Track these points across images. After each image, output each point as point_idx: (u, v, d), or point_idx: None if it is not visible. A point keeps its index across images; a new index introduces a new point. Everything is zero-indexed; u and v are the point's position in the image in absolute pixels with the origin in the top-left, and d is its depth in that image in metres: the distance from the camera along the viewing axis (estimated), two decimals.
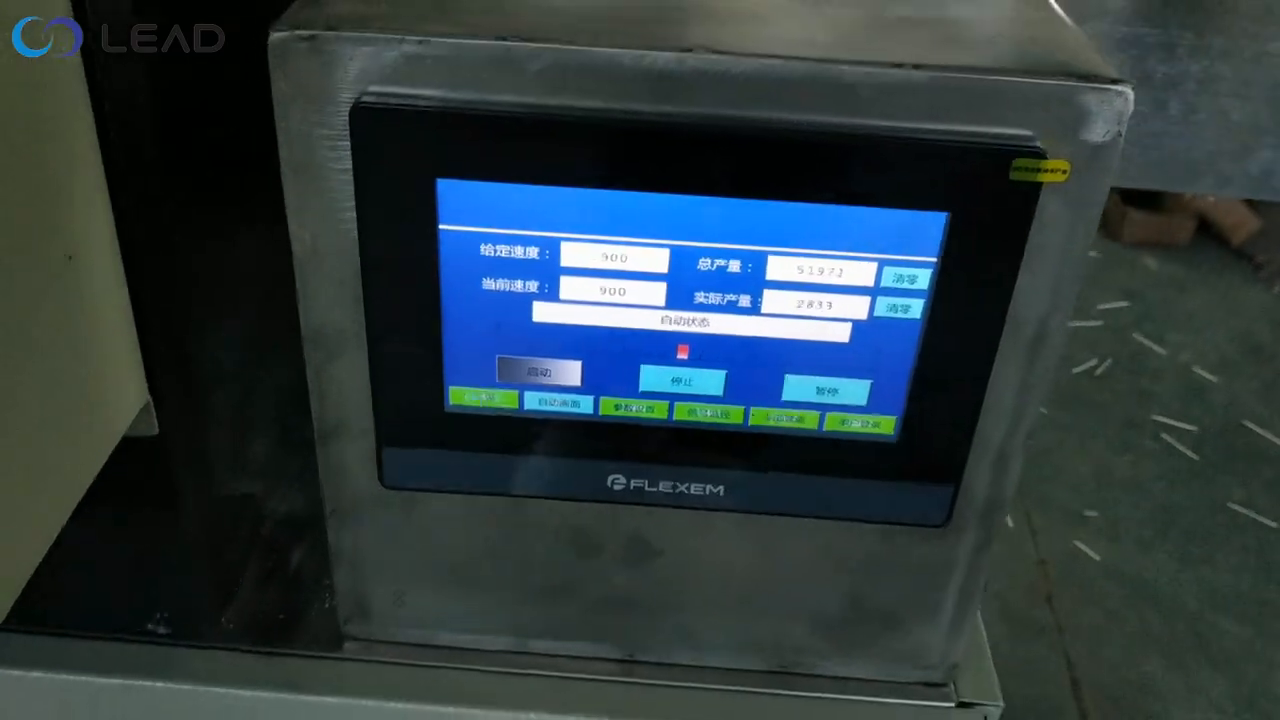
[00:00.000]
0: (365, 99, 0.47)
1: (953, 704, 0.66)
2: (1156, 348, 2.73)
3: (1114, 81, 0.47)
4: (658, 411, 0.56)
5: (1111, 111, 0.47)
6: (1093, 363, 2.64)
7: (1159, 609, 2.00)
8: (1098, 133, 0.47)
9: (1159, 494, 2.27)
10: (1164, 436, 2.43)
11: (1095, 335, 2.76)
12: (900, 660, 0.66)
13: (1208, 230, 3.19)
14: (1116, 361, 2.67)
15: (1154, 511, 2.22)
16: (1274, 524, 2.21)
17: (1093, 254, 3.02)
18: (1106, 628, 1.96)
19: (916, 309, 0.52)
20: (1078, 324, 2.80)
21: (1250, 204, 3.14)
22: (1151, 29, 0.97)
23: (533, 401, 0.56)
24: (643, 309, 0.52)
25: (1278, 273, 3.09)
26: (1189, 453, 2.38)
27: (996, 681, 0.69)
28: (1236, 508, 2.24)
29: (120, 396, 0.53)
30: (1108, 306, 2.88)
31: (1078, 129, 0.47)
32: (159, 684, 0.64)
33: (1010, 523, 2.16)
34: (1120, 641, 1.93)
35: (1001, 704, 0.68)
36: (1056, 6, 0.56)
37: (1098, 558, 2.09)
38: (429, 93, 0.47)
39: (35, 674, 0.63)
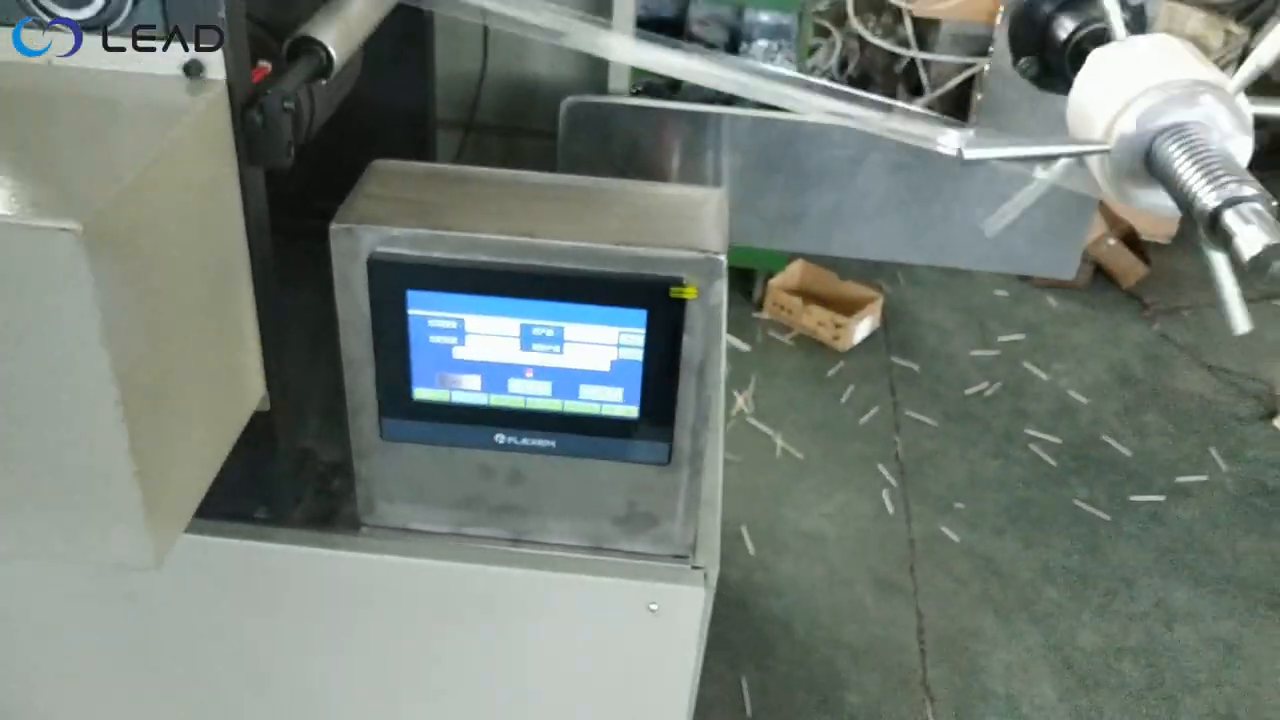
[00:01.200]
0: (375, 255, 1.03)
1: (689, 566, 1.20)
2: (1041, 374, 3.26)
3: (716, 253, 1.01)
4: (517, 403, 1.11)
5: (713, 267, 1.02)
6: (984, 385, 3.18)
7: (998, 579, 2.53)
8: (710, 277, 1.02)
9: (1018, 492, 2.80)
10: (1031, 447, 2.96)
11: (992, 362, 3.29)
12: (659, 542, 1.20)
13: (1106, 274, 3.72)
14: (1005, 385, 3.20)
15: (1010, 505, 2.75)
16: (1107, 517, 2.74)
17: (1003, 293, 3.58)
18: (954, 591, 2.49)
19: (638, 354, 1.07)
20: (978, 353, 3.33)
21: (1139, 252, 3.67)
22: None
23: (456, 396, 1.11)
24: (508, 352, 1.08)
25: (1161, 312, 3.61)
26: (1050, 460, 2.91)
27: (717, 553, 1.23)
28: (1079, 504, 2.77)
29: (254, 389, 1.09)
30: (1007, 338, 3.41)
31: (699, 274, 1.02)
32: (261, 544, 1.19)
33: (890, 509, 2.69)
34: (963, 602, 2.46)
35: (718, 567, 1.22)
36: (713, 208, 1.11)
37: (957, 539, 2.63)
38: (403, 250, 1.03)
39: (192, 536, 1.19)
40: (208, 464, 1.01)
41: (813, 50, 4.45)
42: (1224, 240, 0.97)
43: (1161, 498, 2.81)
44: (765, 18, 3.48)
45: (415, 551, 1.20)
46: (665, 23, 3.52)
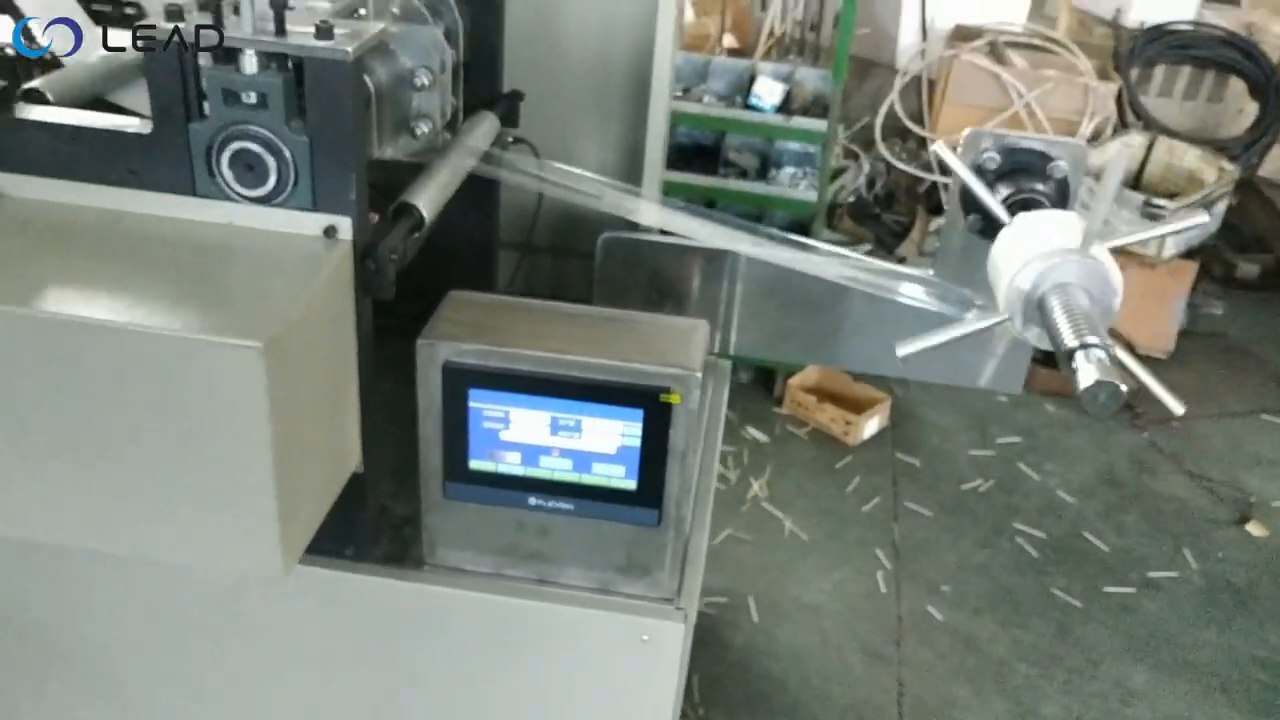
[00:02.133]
0: (448, 363, 1.41)
1: (674, 607, 1.55)
2: (1033, 474, 3.56)
3: (694, 370, 1.38)
4: (546, 474, 1.48)
5: (691, 381, 1.38)
6: (978, 483, 3.49)
7: (975, 654, 2.82)
8: (689, 387, 1.39)
9: (1001, 579, 3.09)
10: (1017, 539, 3.26)
11: (988, 462, 3.60)
12: (650, 587, 1.55)
13: None
14: (998, 483, 3.50)
15: (993, 590, 3.04)
16: (1080, 605, 3.02)
17: (1004, 399, 3.90)
18: (933, 663, 2.78)
19: (636, 442, 1.43)
20: (976, 452, 3.65)
21: None
22: None
23: (501, 468, 1.48)
24: (540, 436, 1.45)
25: (1151, 422, 3.90)
26: (1033, 551, 3.21)
27: (697, 599, 1.57)
28: (1056, 592, 3.06)
29: (354, 456, 1.46)
30: (1004, 440, 3.72)
31: (681, 385, 1.39)
32: (347, 575, 1.56)
33: (883, 588, 3.00)
34: (941, 673, 2.76)
35: (698, 609, 1.56)
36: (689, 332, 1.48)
37: (941, 618, 2.92)
38: (468, 361, 1.41)
39: (299, 566, 1.56)
40: (320, 506, 1.39)
41: (841, 172, 4.86)
42: (1074, 377, 1.33)
43: (1133, 590, 3.09)
44: (794, 146, 3.88)
45: (465, 585, 1.56)
46: (704, 149, 3.94)
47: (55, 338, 1.17)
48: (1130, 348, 3.81)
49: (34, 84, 1.42)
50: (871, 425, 3.64)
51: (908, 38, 5.06)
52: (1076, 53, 4.62)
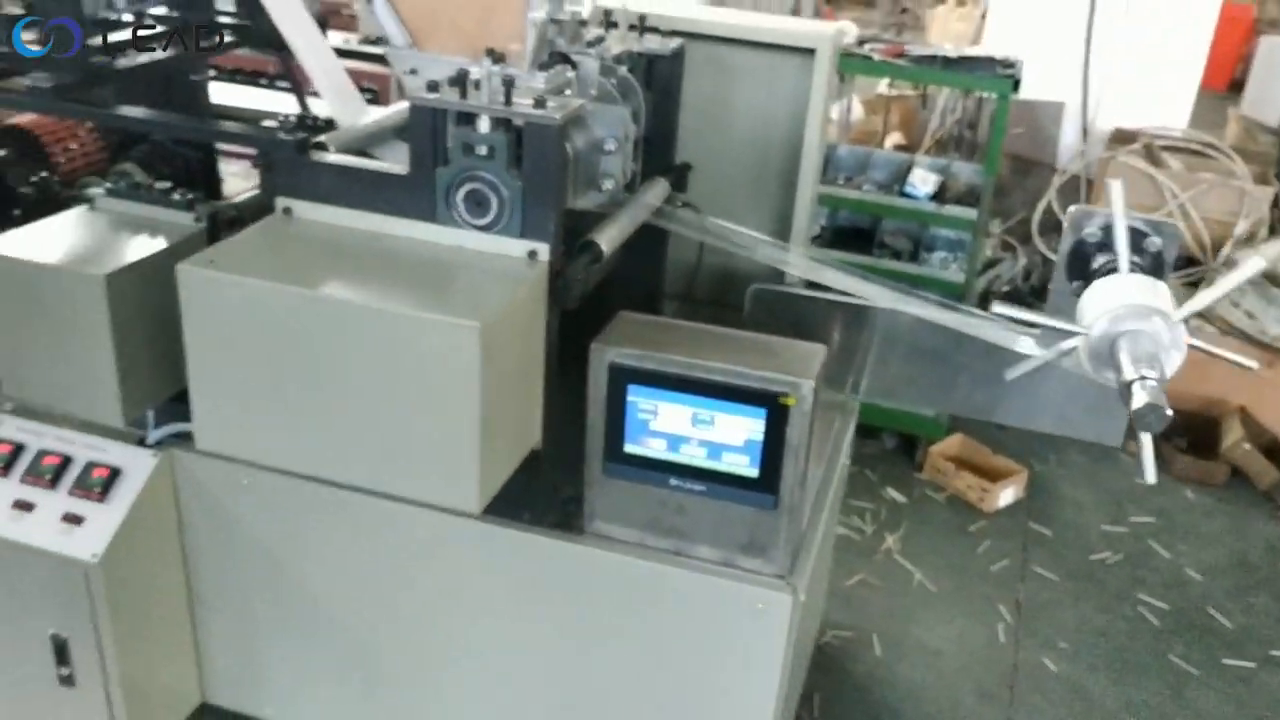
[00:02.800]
0: (613, 363, 1.78)
1: (785, 582, 1.85)
2: (1164, 552, 3.67)
3: (808, 379, 1.71)
4: (685, 460, 1.82)
5: (805, 388, 1.71)
6: (1107, 555, 3.62)
7: (1085, 704, 2.97)
8: (803, 393, 1.72)
9: (1119, 641, 3.22)
10: (1140, 608, 3.37)
11: (1119, 537, 3.73)
12: (767, 563, 1.86)
13: (1241, 476, 4.09)
14: (1127, 557, 3.62)
15: (1109, 650, 3.18)
16: (1197, 672, 3.12)
17: (1142, 481, 4.01)
18: (1043, 709, 2.95)
19: (760, 436, 1.77)
20: (1109, 528, 3.78)
21: (1271, 457, 4.03)
22: None
23: (649, 453, 1.83)
24: (682, 428, 1.79)
25: None
26: (1154, 620, 3.32)
27: (807, 579, 1.87)
28: (1173, 658, 3.17)
29: (535, 435, 1.84)
30: (1139, 519, 3.84)
31: (796, 391, 1.72)
32: (522, 534, 1.93)
33: (1001, 639, 3.18)
34: (1050, 718, 2.92)
35: (806, 591, 1.86)
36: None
37: (1055, 669, 3.08)
38: (629, 363, 1.77)
39: (482, 525, 1.94)
40: (508, 466, 1.77)
41: (997, 262, 5.08)
42: (1127, 399, 1.62)
43: (1253, 664, 3.16)
44: (947, 232, 4.16)
45: (616, 550, 1.91)
46: (861, 231, 4.26)
47: (330, 315, 1.61)
48: (1274, 442, 3.86)
49: (321, 139, 1.89)
50: (1007, 494, 3.82)
51: (1069, 139, 5.28)
52: (1234, 157, 4.74)
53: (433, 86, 1.69)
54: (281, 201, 1.82)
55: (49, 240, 1.88)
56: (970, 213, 3.90)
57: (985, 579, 3.45)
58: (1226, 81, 9.15)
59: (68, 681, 2.13)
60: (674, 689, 1.99)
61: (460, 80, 1.69)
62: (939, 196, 4.04)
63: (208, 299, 1.65)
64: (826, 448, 2.30)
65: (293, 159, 1.79)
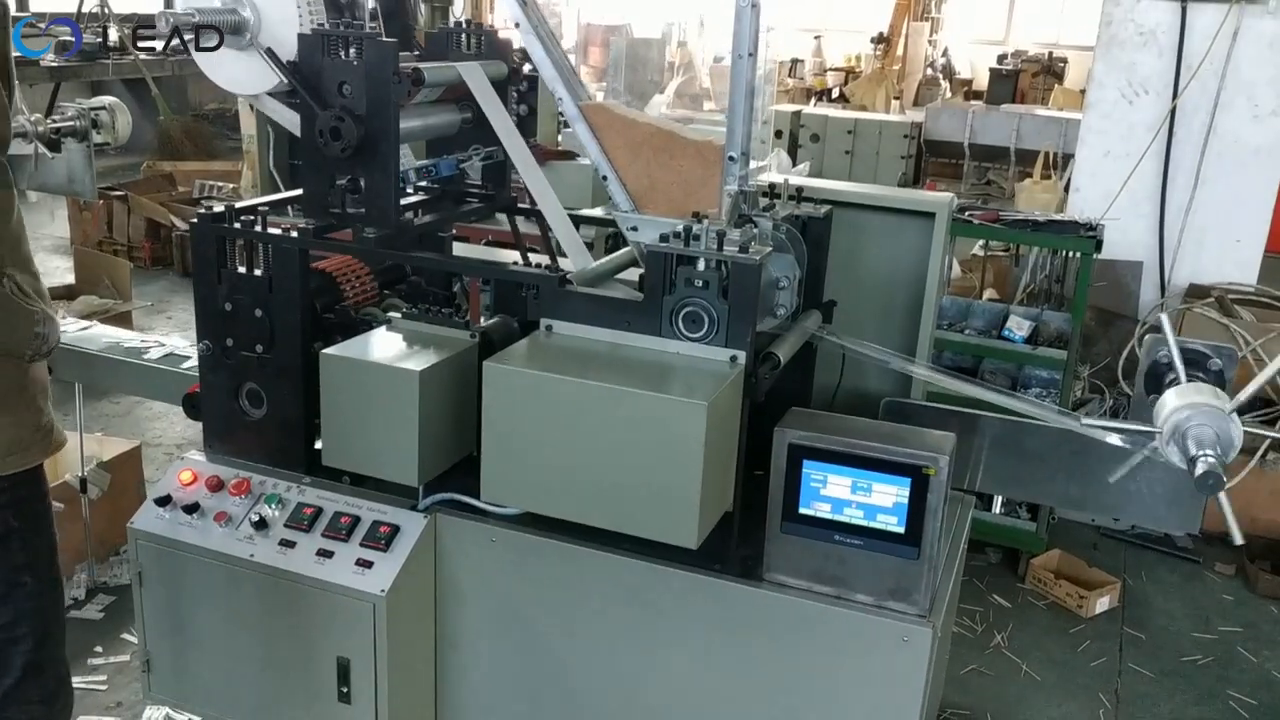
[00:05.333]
0: (792, 443, 2.27)
1: (926, 620, 2.28)
2: (1251, 657, 3.93)
3: (943, 455, 2.18)
4: (846, 519, 2.28)
5: (942, 461, 2.18)
6: (1198, 657, 3.90)
7: None
8: (941, 465, 2.18)
9: None
10: (1231, 703, 3.64)
11: (1208, 643, 4.00)
12: (911, 605, 2.29)
13: None
14: (1216, 660, 3.90)
15: None
16: None
17: (1229, 597, 4.30)
18: None
19: (905, 500, 2.23)
20: (1199, 634, 4.06)
21: None
22: None
23: (817, 514, 2.30)
24: (844, 493, 2.27)
25: None
26: (1243, 713, 3.58)
27: (942, 619, 2.29)
28: None
29: (729, 499, 2.33)
30: (1226, 628, 4.11)
31: (935, 465, 2.19)
32: (712, 580, 2.39)
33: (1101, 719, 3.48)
34: None
35: (940, 629, 2.28)
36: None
37: None
38: (803, 443, 2.26)
39: (684, 573, 2.41)
40: (713, 519, 2.26)
41: (1086, 403, 5.47)
42: (1193, 472, 2.08)
43: None
44: (1041, 372, 4.61)
45: (789, 594, 2.36)
46: (964, 369, 4.72)
47: (593, 396, 2.14)
48: None
49: (570, 275, 2.46)
50: (1103, 602, 4.13)
51: (1148, 294, 5.71)
52: None
53: (664, 238, 2.26)
54: (545, 320, 2.38)
55: (369, 348, 2.47)
56: (1060, 354, 4.35)
57: (1085, 672, 3.76)
58: None
59: (345, 699, 2.62)
60: (833, 708, 2.40)
61: (685, 233, 2.25)
62: (1032, 340, 4.51)
63: (502, 386, 2.21)
64: (950, 529, 2.73)
65: (555, 290, 2.37)
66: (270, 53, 2.52)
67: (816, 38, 19.29)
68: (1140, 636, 3.99)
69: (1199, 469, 2.08)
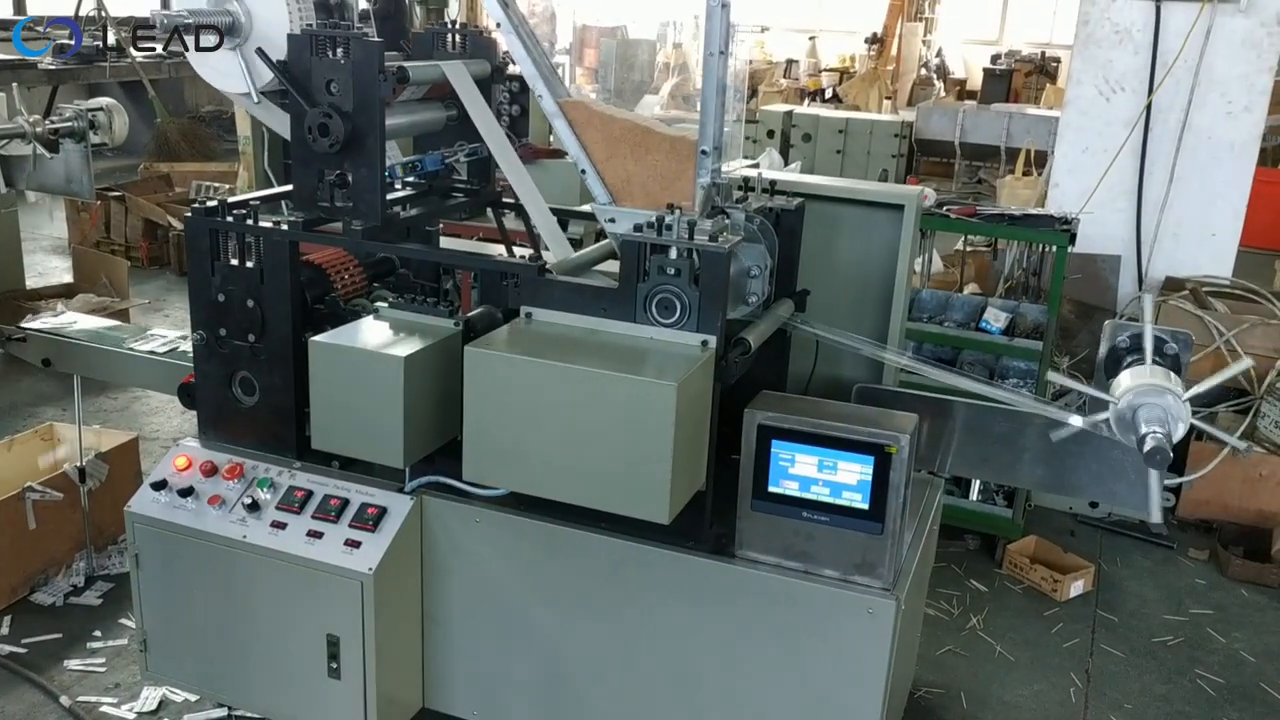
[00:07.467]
0: (760, 423, 2.37)
1: (891, 592, 2.37)
2: (1220, 638, 4.02)
3: (903, 434, 2.27)
4: (813, 497, 2.38)
5: (903, 439, 2.28)
6: (1168, 638, 3.99)
7: None
8: (901, 444, 2.28)
9: (1178, 706, 3.58)
10: (1199, 681, 3.73)
11: (1179, 625, 4.09)
12: (876, 578, 2.38)
13: None
14: (1186, 640, 3.99)
15: (1169, 712, 3.54)
16: None
17: (1202, 581, 4.40)
18: None
19: (869, 477, 2.32)
20: (1170, 616, 4.15)
21: None
22: None
23: (786, 491, 2.39)
24: (811, 472, 2.36)
25: None
26: (1211, 692, 3.68)
27: (906, 592, 2.39)
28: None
29: (701, 478, 2.42)
30: (1198, 611, 4.20)
31: (896, 443, 2.28)
32: (684, 556, 2.48)
33: (1072, 700, 3.57)
34: None
35: (905, 602, 2.37)
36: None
37: None
38: (772, 423, 2.36)
39: (652, 549, 2.50)
40: (684, 496, 2.35)
41: (1064, 394, 5.56)
42: (1140, 448, 2.16)
43: None
44: (1018, 363, 4.70)
45: (759, 569, 2.45)
46: (943, 359, 4.82)
47: (569, 378, 2.23)
48: None
49: (549, 265, 2.56)
50: (1077, 586, 4.22)
51: (1125, 287, 5.80)
52: (1274, 301, 5.22)
53: (638, 228, 2.35)
54: (525, 308, 2.48)
55: (357, 336, 2.56)
56: (1036, 345, 4.44)
57: (1058, 653, 3.85)
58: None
59: (335, 674, 2.72)
60: (802, 679, 2.49)
61: (658, 223, 2.35)
62: (1009, 332, 4.60)
63: (483, 370, 2.30)
64: (919, 510, 2.83)
65: (534, 279, 2.46)
66: (261, 52, 2.61)
67: (811, 38, 19.37)
68: (1113, 619, 4.08)
69: (1148, 445, 2.17)
